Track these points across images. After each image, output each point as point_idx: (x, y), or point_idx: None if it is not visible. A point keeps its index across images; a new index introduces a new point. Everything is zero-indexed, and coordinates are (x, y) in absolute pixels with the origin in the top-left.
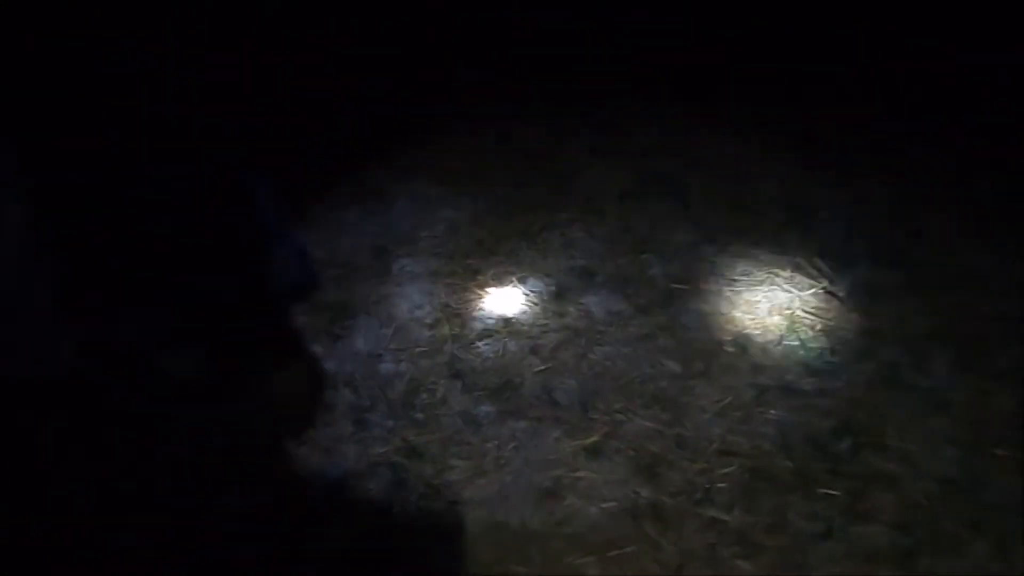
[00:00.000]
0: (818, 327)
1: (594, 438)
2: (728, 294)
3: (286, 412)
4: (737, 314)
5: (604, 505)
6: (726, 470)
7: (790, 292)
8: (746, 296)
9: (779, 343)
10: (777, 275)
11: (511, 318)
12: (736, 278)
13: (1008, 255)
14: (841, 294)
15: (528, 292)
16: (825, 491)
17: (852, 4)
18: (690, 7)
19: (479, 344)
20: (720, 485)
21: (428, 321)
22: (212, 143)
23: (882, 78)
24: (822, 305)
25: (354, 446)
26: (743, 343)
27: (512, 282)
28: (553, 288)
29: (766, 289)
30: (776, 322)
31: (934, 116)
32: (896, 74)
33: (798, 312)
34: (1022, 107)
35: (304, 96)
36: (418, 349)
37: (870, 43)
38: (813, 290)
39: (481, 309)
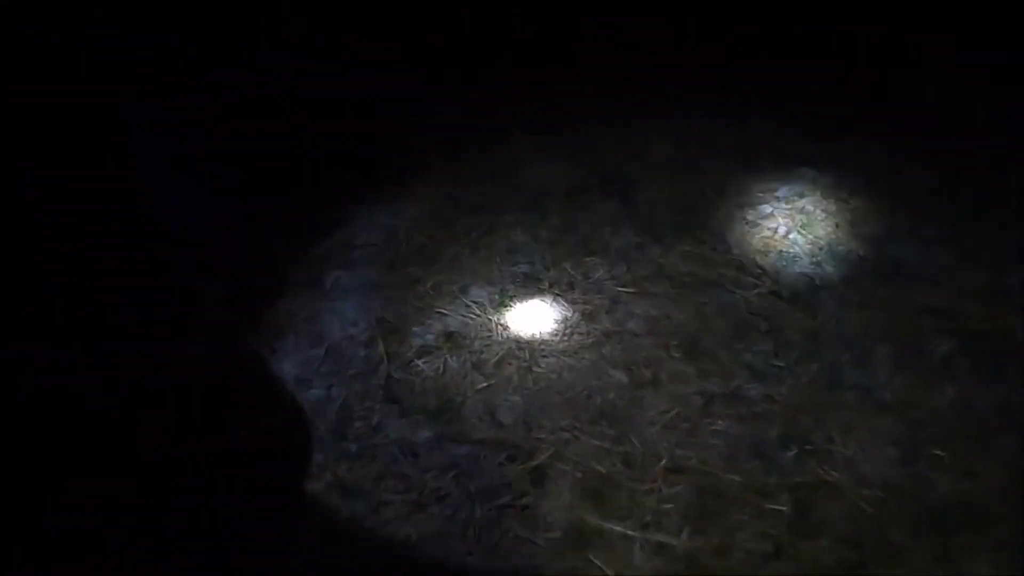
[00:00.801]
0: (763, 328)
1: (539, 460)
2: (675, 296)
3: (196, 380)
4: (684, 317)
5: (549, 535)
6: (674, 489)
7: (734, 293)
8: (693, 298)
9: (725, 346)
10: (723, 276)
11: (452, 332)
12: (683, 280)
13: (934, 245)
14: (784, 294)
15: (470, 302)
16: (773, 506)
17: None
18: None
19: (418, 362)
20: (667, 506)
21: (363, 339)
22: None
23: (824, 77)
24: (766, 305)
25: None
26: (690, 348)
27: (453, 291)
28: (496, 296)
29: (713, 290)
30: (722, 325)
31: (869, 112)
32: (843, 74)
33: (744, 314)
34: (953, 102)
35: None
36: (351, 371)
37: (817, 43)
38: (757, 290)
39: (420, 323)
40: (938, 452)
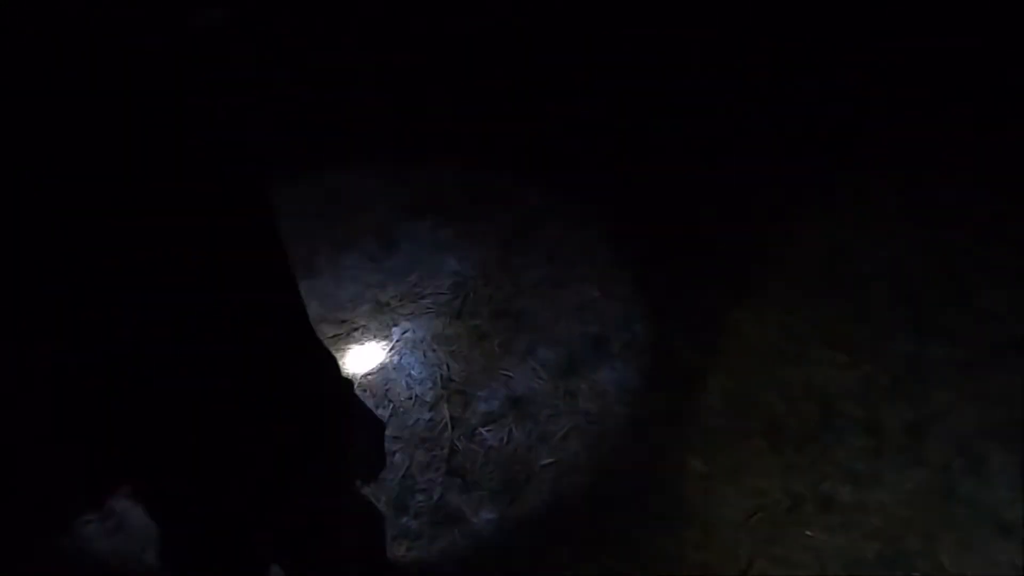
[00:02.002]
0: (858, 417)
1: (611, 562)
2: (757, 370)
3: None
4: (768, 398)
5: None
6: None
7: (828, 370)
8: (777, 373)
9: (812, 437)
10: (806, 348)
11: (519, 397)
12: (766, 350)
13: None
14: (884, 378)
15: (537, 365)
16: None
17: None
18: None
19: (482, 431)
20: None
21: (428, 399)
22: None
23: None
24: (859, 389)
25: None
26: (774, 435)
27: (521, 351)
28: (565, 360)
29: (793, 366)
30: (808, 408)
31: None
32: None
33: (835, 398)
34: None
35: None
36: (416, 436)
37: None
38: (853, 371)
39: (487, 386)
40: None
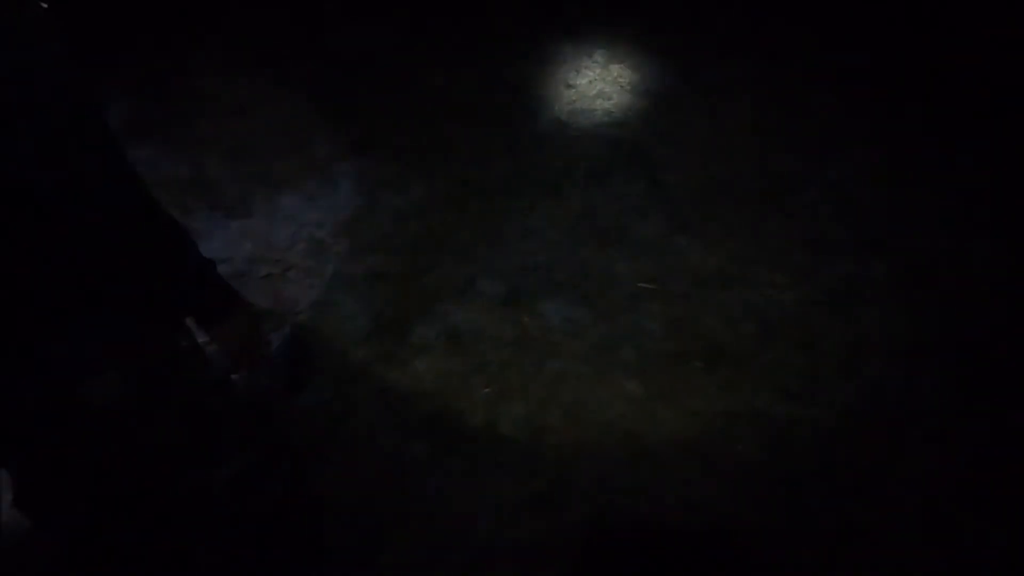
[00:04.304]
0: (800, 338)
1: (540, 485)
2: (698, 294)
3: (238, 352)
4: (709, 321)
5: (545, 573)
6: (687, 531)
7: (767, 291)
8: (718, 296)
9: (753, 357)
10: (754, 272)
11: (456, 329)
12: (708, 275)
13: None
14: (822, 297)
15: (477, 296)
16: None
17: None
18: None
19: (416, 363)
20: (673, 547)
21: (360, 336)
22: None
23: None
24: (802, 310)
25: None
26: (712, 357)
27: (461, 284)
28: (506, 291)
29: (734, 290)
30: (747, 329)
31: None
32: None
33: (775, 318)
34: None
35: None
36: (345, 372)
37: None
38: (792, 291)
39: (422, 319)
40: None
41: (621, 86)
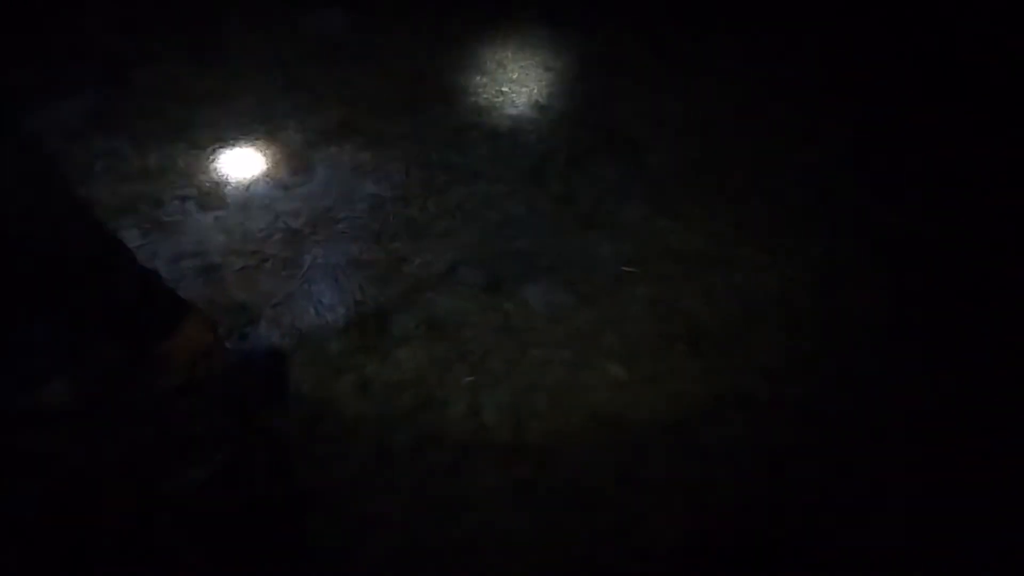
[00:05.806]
0: (784, 318)
1: (524, 472)
2: (681, 276)
3: (194, 358)
4: (691, 303)
5: (531, 561)
6: (666, 512)
7: (749, 272)
8: (701, 278)
9: (737, 338)
10: (737, 253)
11: (437, 317)
12: (691, 257)
13: None
14: (805, 276)
15: (459, 284)
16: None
17: None
18: None
19: (397, 353)
20: (659, 527)
21: (339, 327)
22: None
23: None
24: (785, 291)
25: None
26: (696, 339)
27: (441, 271)
28: (487, 277)
29: (716, 271)
30: (730, 310)
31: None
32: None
33: (759, 301)
34: None
35: None
36: (325, 365)
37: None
38: (775, 271)
39: (403, 308)
40: None
41: (600, 67)
